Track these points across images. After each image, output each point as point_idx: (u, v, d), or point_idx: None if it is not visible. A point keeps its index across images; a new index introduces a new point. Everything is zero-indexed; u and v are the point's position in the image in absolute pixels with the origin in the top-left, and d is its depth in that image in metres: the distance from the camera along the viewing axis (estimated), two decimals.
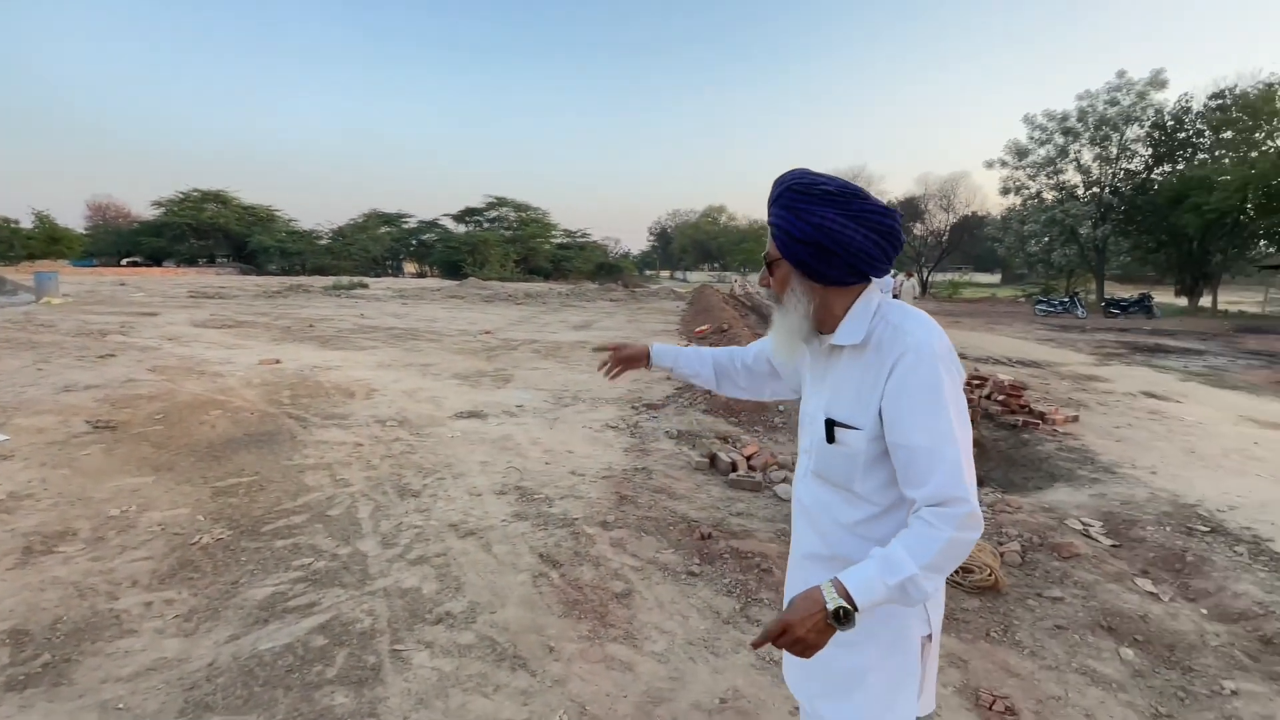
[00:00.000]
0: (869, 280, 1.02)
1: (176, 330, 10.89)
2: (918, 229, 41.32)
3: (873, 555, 0.93)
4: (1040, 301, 21.48)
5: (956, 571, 2.73)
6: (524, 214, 59.63)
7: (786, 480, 3.75)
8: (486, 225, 60.00)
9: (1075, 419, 5.64)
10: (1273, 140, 18.80)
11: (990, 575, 2.66)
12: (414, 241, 59.79)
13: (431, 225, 60.37)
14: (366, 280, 32.82)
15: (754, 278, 49.08)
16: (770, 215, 1.03)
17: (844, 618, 0.88)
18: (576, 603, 2.43)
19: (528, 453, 4.38)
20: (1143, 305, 20.00)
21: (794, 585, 1.16)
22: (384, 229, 57.79)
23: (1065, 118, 24.35)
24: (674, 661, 2.11)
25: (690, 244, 67.70)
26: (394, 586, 2.56)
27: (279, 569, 2.72)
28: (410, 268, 60.36)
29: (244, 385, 6.27)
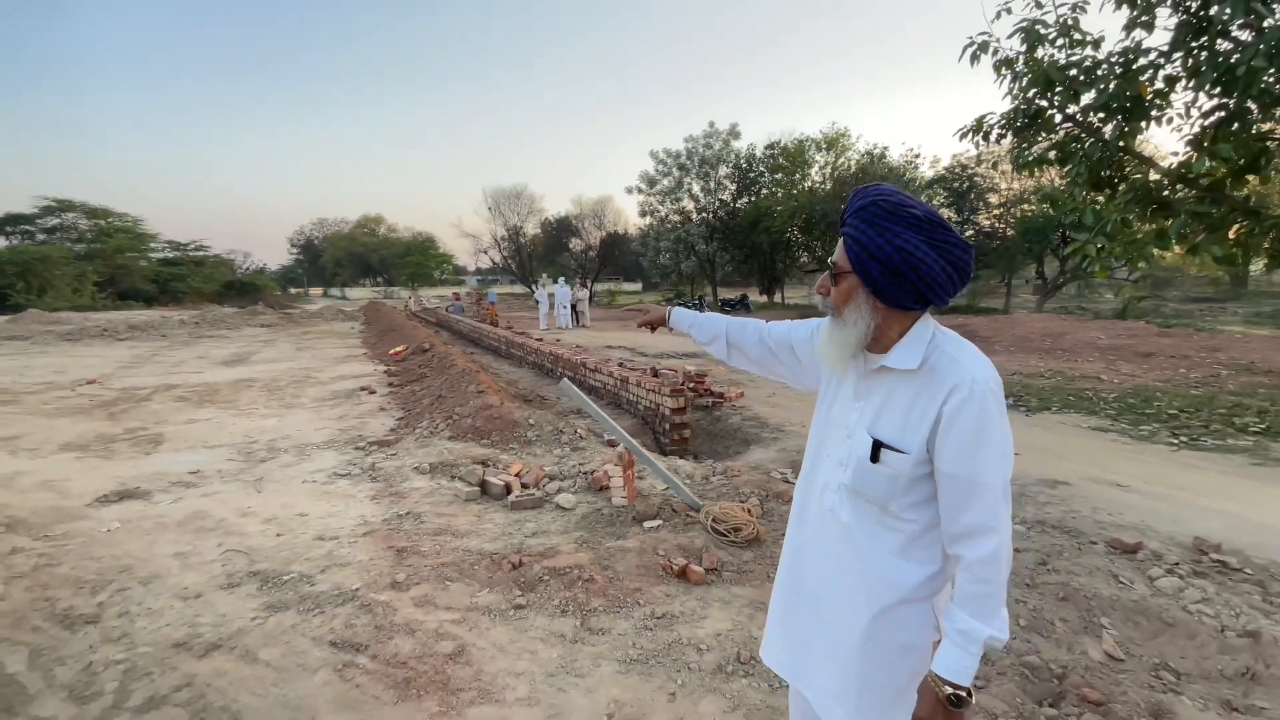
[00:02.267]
0: (927, 307, 1.03)
1: None
2: (575, 244, 45.66)
3: (948, 636, 0.98)
4: (680, 303, 26.14)
5: (729, 532, 3.23)
6: (102, 221, 45.11)
7: (563, 490, 3.84)
8: (44, 238, 43.75)
9: (742, 395, 7.09)
10: (805, 181, 26.52)
11: (753, 529, 3.22)
12: None
13: None
14: None
15: (427, 293, 47.01)
16: (847, 225, 1.02)
17: (959, 701, 0.95)
18: (407, 681, 2.09)
19: (242, 529, 3.48)
20: (743, 303, 26.20)
21: (820, 598, 1.14)
22: None
23: (679, 155, 30.02)
24: (545, 699, 2.01)
25: (345, 257, 61.03)
26: None
27: None
28: None
29: None
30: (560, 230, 46.40)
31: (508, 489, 3.83)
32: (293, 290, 58.30)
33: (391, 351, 11.09)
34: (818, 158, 27.24)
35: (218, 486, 4.21)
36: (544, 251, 46.03)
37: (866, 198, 1.01)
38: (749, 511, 3.54)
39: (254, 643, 2.33)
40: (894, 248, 0.96)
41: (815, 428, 1.22)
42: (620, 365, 7.43)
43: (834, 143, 26.81)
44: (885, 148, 25.95)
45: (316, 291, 62.06)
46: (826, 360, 1.11)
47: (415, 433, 5.38)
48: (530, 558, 2.95)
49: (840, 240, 1.05)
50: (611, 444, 4.94)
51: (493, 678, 2.12)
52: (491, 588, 2.71)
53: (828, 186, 25.45)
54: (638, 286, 63.88)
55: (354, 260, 61.02)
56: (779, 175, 27.96)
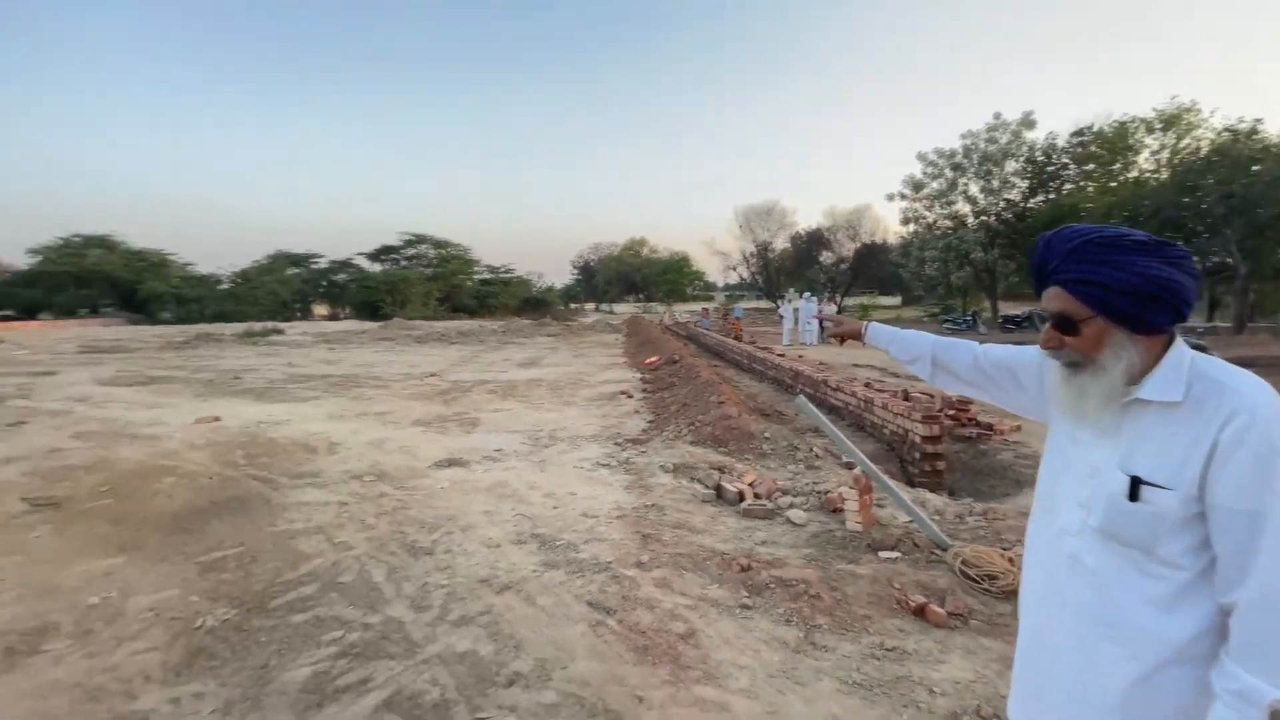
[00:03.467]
0: (1174, 330, 0.98)
1: (83, 390, 9.82)
2: (826, 258, 44.08)
3: (1221, 698, 0.88)
4: (946, 320, 23.39)
5: (982, 579, 2.92)
6: (444, 250, 58.40)
7: (795, 506, 3.87)
8: (404, 264, 58.22)
9: (1018, 428, 6.16)
10: (1127, 172, 21.64)
11: (1013, 580, 2.86)
12: (324, 283, 56.99)
13: (344, 265, 57.82)
14: (280, 326, 30.81)
15: (679, 308, 50.24)
16: (1064, 273, 0.99)
17: None
18: (645, 648, 2.40)
19: (529, 498, 4.28)
20: (1031, 321, 22.23)
21: (1062, 655, 1.05)
22: (292, 270, 54.63)
23: (953, 154, 27.01)
24: (764, 696, 2.13)
25: (615, 276, 68.59)
26: (447, 651, 2.42)
27: (309, 646, 2.51)
28: (321, 310, 57.38)
29: (188, 448, 5.74)
30: (810, 244, 45.38)
31: (740, 496, 4.00)
32: (572, 305, 67.67)
33: (646, 361, 12.21)
34: (1148, 141, 21.97)
35: (514, 463, 5.21)
36: (792, 266, 45.53)
37: (1070, 241, 0.99)
38: (1010, 561, 3.14)
39: (533, 590, 2.89)
40: (1142, 277, 0.93)
41: (1048, 466, 1.12)
42: (866, 385, 7.07)
43: (1173, 121, 21.35)
44: (1257, 120, 19.62)
45: (590, 306, 70.96)
46: (1080, 412, 1.03)
47: (663, 435, 5.90)
48: (759, 564, 3.08)
49: (1055, 290, 1.00)
50: (848, 466, 4.78)
51: (718, 664, 2.30)
52: (721, 584, 2.90)
53: (1162, 175, 20.36)
54: (895, 300, 59.07)
55: (621, 279, 68.32)
56: (1090, 166, 23.25)
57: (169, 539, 3.63)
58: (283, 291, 50.35)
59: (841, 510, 3.69)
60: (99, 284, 47.09)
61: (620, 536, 3.50)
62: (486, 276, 59.73)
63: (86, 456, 5.43)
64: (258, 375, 12.05)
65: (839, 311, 38.10)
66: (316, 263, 57.03)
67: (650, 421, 6.79)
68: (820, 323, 18.29)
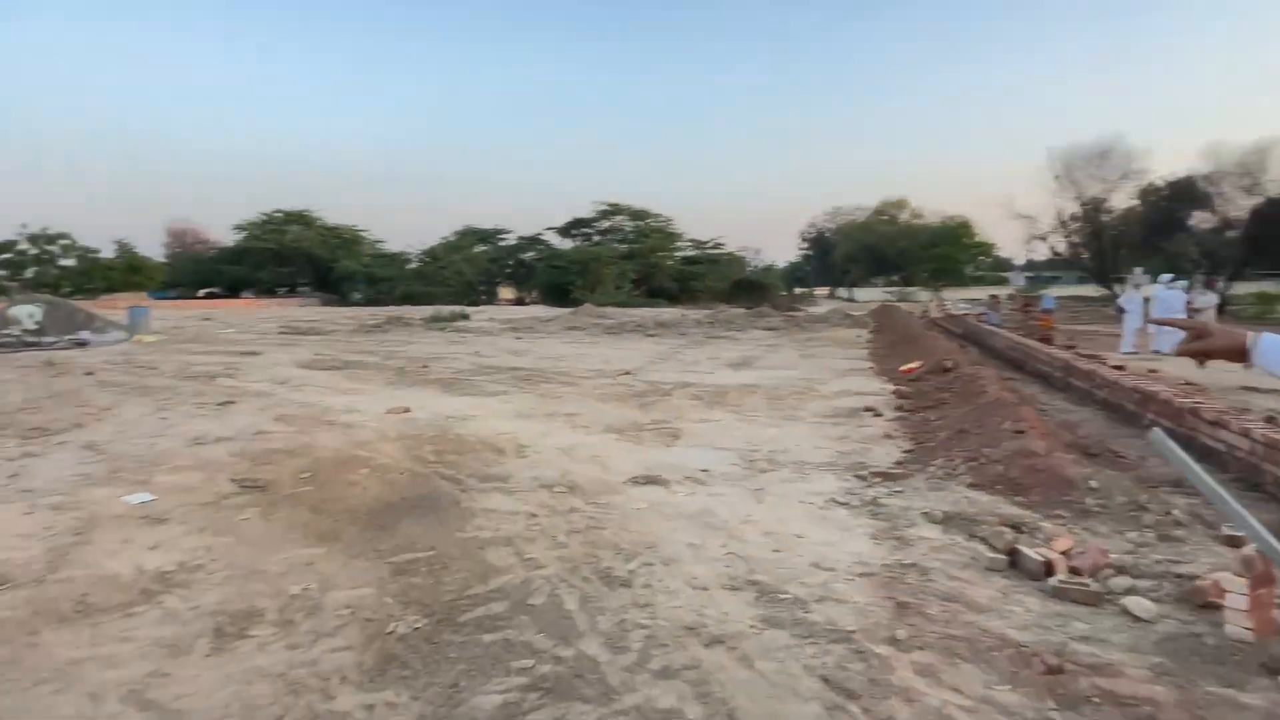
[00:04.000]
0: None
1: (284, 373, 12.30)
2: (1202, 221, 37.02)
3: None
4: None
5: None
6: (643, 223, 61.71)
7: (1136, 592, 3.40)
8: (598, 239, 62.73)
9: None
10: None
11: None
12: (511, 262, 63.73)
13: (533, 241, 64.00)
14: (467, 310, 35.32)
15: (952, 294, 46.56)
16: None
17: None
18: None
19: (743, 534, 4.37)
20: None
21: None
22: (479, 248, 62.07)
23: None
24: None
25: (858, 251, 65.91)
26: (648, 706, 2.59)
27: (498, 671, 2.86)
28: (506, 293, 64.39)
29: (381, 439, 6.88)
30: (1174, 200, 38.67)
31: (1048, 569, 3.63)
32: (798, 290, 66.90)
33: (903, 368, 11.67)
34: None
35: (723, 488, 5.37)
36: (1142, 234, 39.28)
37: None
38: None
39: (751, 649, 2.95)
40: None
41: None
42: (1269, 421, 5.92)
43: None
44: None
45: (822, 291, 69.50)
46: None
47: (926, 471, 5.60)
48: (1077, 667, 2.77)
49: None
50: (1233, 542, 4.04)
51: None
52: (1015, 686, 2.67)
53: None
54: None
55: (867, 254, 65.67)
56: None
57: (364, 533, 4.41)
58: (469, 271, 57.66)
59: (1218, 607, 3.15)
60: (297, 261, 58.49)
61: (865, 600, 3.40)
62: (691, 253, 61.78)
63: (289, 441, 6.80)
64: (445, 364, 13.97)
65: (1220, 306, 32.01)
66: (504, 239, 64.13)
67: (908, 451, 6.48)
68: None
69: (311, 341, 19.51)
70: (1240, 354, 1.23)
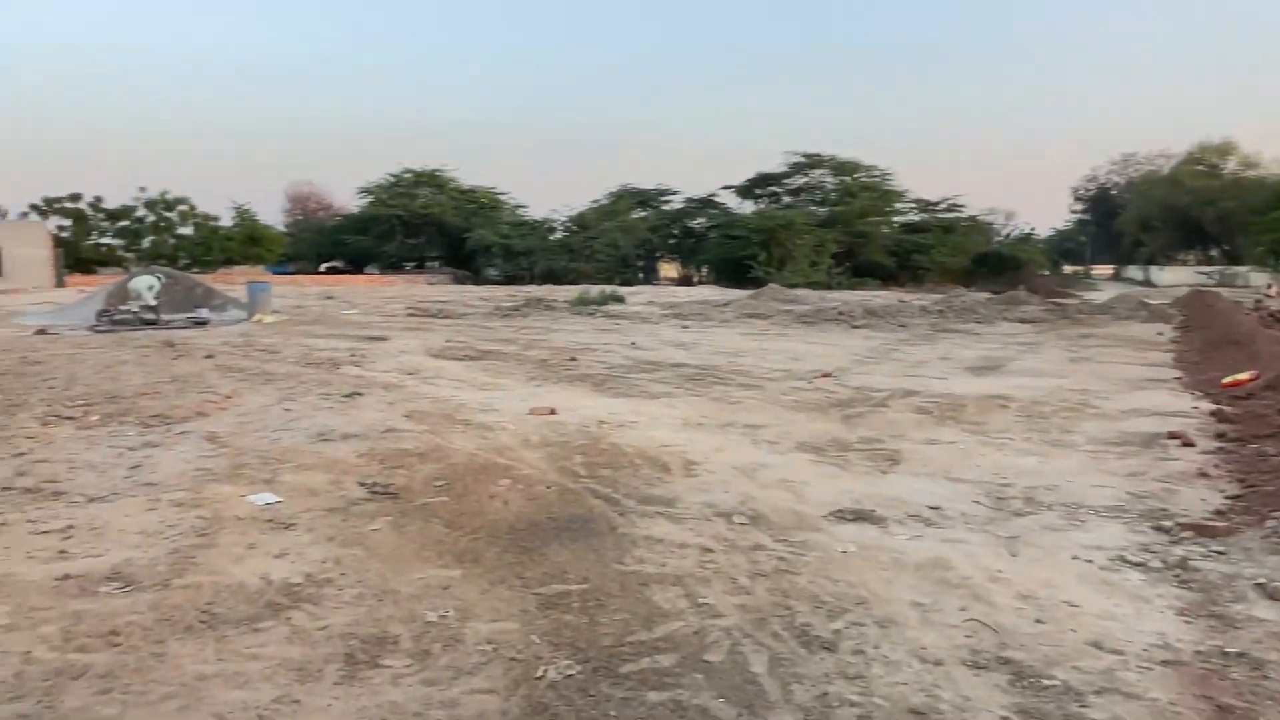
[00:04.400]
0: None
1: (414, 362, 13.27)
2: None
3: None
4: None
5: None
6: (850, 178, 59.86)
7: None
8: (789, 201, 61.88)
9: None
10: None
11: None
12: (676, 230, 64.35)
13: (705, 204, 64.08)
14: (620, 291, 36.27)
15: None
16: None
17: None
18: None
19: (991, 596, 4.20)
20: None
21: None
22: (637, 213, 63.05)
23: None
24: None
25: (1160, 215, 60.42)
26: None
27: None
28: (669, 270, 65.27)
29: (523, 445, 7.25)
30: None
31: None
32: (1067, 269, 62.76)
33: (1227, 380, 10.99)
34: None
35: (962, 533, 5.19)
36: None
37: None
38: None
39: None
40: None
41: None
42: None
43: None
44: None
45: (1104, 271, 64.69)
46: None
47: (1266, 526, 5.13)
48: None
49: None
50: None
51: None
52: None
53: None
54: None
55: (1172, 220, 60.20)
56: None
57: (505, 556, 4.68)
58: (624, 242, 59.01)
59: None
60: (427, 231, 62.57)
61: (1169, 698, 3.17)
62: (915, 218, 59.49)
63: (420, 441, 7.33)
64: (595, 357, 14.46)
65: None
66: (668, 201, 64.89)
67: (1234, 496, 5.97)
68: None
69: (442, 326, 20.84)
70: None
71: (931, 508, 5.73)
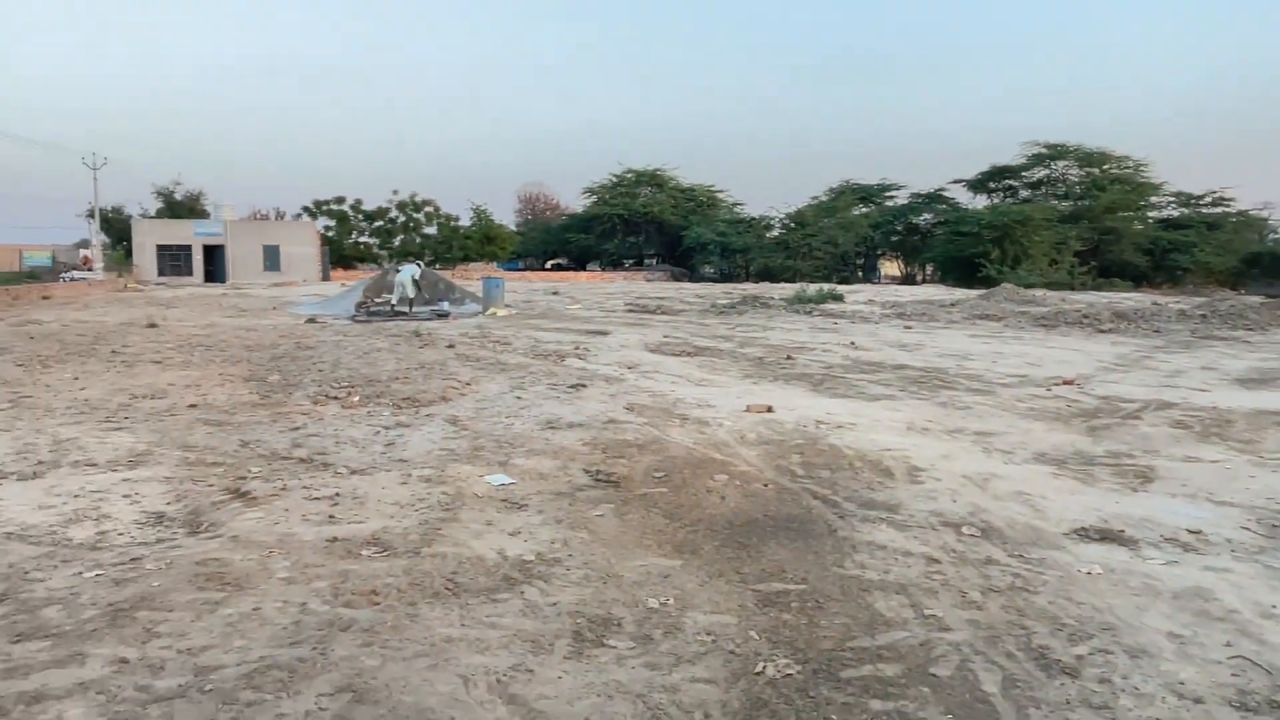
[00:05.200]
0: None
1: (633, 356, 13.73)
2: None
3: None
4: None
5: None
6: (1098, 170, 55.80)
7: None
8: (1026, 195, 58.52)
9: None
10: None
11: None
12: (900, 227, 62.44)
13: (931, 200, 61.83)
14: (839, 289, 35.63)
15: None
16: None
17: None
18: None
19: (1263, 633, 3.81)
20: None
21: None
22: (859, 210, 61.82)
23: None
24: None
25: None
26: None
27: None
28: (891, 268, 63.37)
29: (739, 441, 7.32)
30: None
31: None
32: None
33: None
34: None
35: (1227, 562, 4.74)
36: None
37: None
38: None
39: None
40: None
41: None
42: None
43: None
44: None
45: None
46: None
47: None
48: None
49: None
50: None
51: None
52: None
53: None
54: None
55: None
56: None
57: (723, 550, 4.76)
58: (844, 239, 57.95)
59: None
60: (646, 229, 64.26)
61: None
62: (1173, 213, 54.58)
63: (640, 434, 7.58)
64: (812, 356, 14.33)
65: None
66: (892, 197, 63.11)
67: None
68: None
69: (659, 322, 21.35)
70: None
71: (1191, 531, 5.29)
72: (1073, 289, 40.44)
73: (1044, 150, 57.41)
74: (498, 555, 4.62)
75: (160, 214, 55.93)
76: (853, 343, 16.76)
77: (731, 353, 14.58)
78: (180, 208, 56.84)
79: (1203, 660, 3.56)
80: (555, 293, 34.84)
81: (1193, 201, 54.86)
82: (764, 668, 3.45)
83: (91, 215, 47.50)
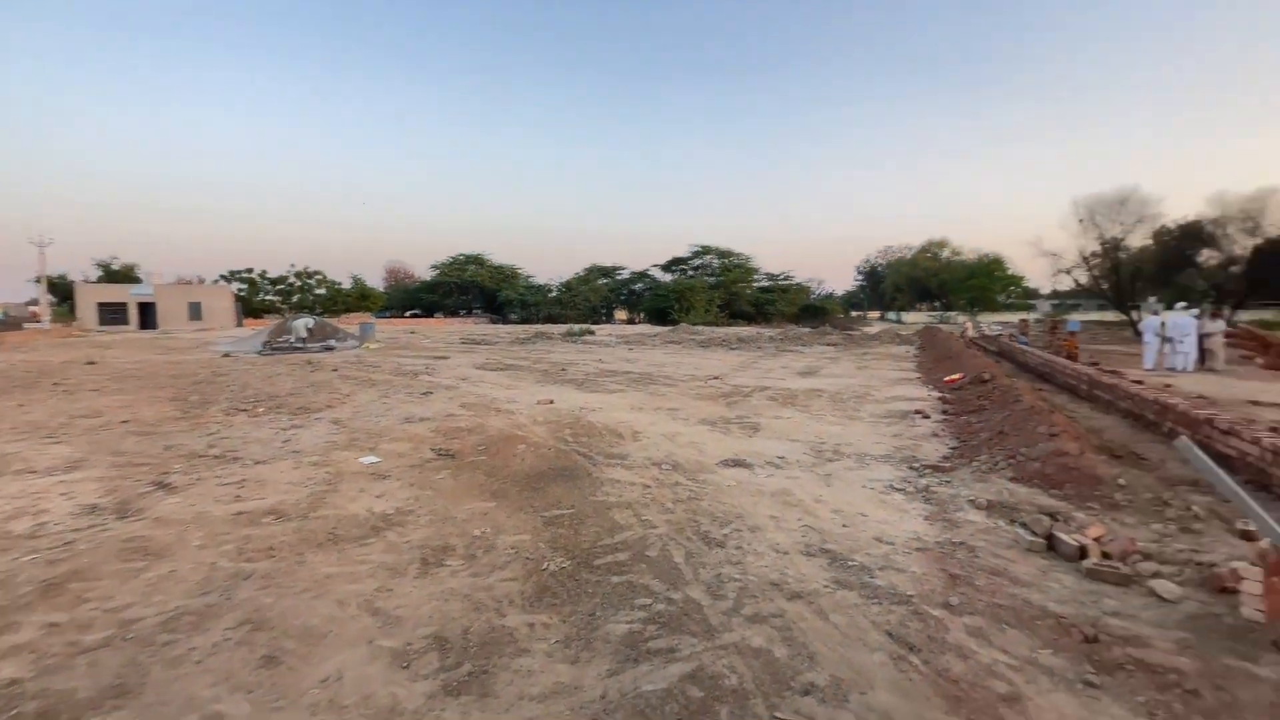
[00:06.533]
0: None
1: (465, 372, 12.92)
2: (1208, 258, 33.14)
3: None
4: None
5: None
6: (727, 260, 61.15)
7: (1161, 575, 3.04)
8: (691, 273, 62.54)
9: None
10: None
11: None
12: (625, 291, 64.70)
13: (641, 276, 64.81)
14: (591, 327, 35.99)
15: (987, 318, 43.23)
16: None
17: None
18: (959, 700, 2.15)
19: (815, 511, 4.20)
20: None
21: None
22: (601, 280, 63.51)
23: None
24: None
25: (905, 282, 62.79)
26: (743, 644, 2.53)
27: (624, 606, 2.87)
28: (621, 315, 65.12)
29: (533, 422, 7.09)
30: (1184, 241, 34.61)
31: (1082, 552, 3.29)
32: (855, 314, 64.32)
33: (946, 379, 10.92)
34: None
35: (797, 473, 5.18)
36: (1155, 269, 35.35)
37: None
38: None
39: (826, 605, 2.83)
40: None
41: None
42: (1274, 432, 5.14)
43: None
44: None
45: (874, 315, 66.44)
46: None
47: (971, 465, 5.21)
48: (1111, 638, 2.49)
49: None
50: (1248, 536, 3.54)
51: None
52: (1056, 650, 2.44)
53: None
54: None
55: (913, 285, 62.38)
56: None
57: (523, 493, 4.55)
58: (594, 298, 58.86)
59: (1233, 591, 2.77)
60: (472, 291, 61.69)
61: (921, 570, 3.20)
62: (766, 284, 60.61)
63: (469, 422, 7.12)
64: (578, 368, 14.25)
65: (1228, 330, 28.13)
66: (620, 274, 65.24)
67: (953, 448, 6.04)
68: (1201, 343, 13.84)
69: (483, 349, 20.42)
70: None
71: (779, 457, 5.72)
72: (717, 326, 43.37)
73: (700, 249, 61.77)
74: (368, 513, 4.11)
75: (100, 280, 45.84)
76: (600, 359, 16.90)
77: (528, 368, 14.19)
78: (118, 275, 46.84)
79: (787, 529, 3.84)
80: (412, 332, 32.43)
81: (774, 277, 61.21)
82: (548, 565, 3.32)
83: (39, 280, 38.04)
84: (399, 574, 3.22)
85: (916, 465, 5.35)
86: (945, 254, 62.92)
